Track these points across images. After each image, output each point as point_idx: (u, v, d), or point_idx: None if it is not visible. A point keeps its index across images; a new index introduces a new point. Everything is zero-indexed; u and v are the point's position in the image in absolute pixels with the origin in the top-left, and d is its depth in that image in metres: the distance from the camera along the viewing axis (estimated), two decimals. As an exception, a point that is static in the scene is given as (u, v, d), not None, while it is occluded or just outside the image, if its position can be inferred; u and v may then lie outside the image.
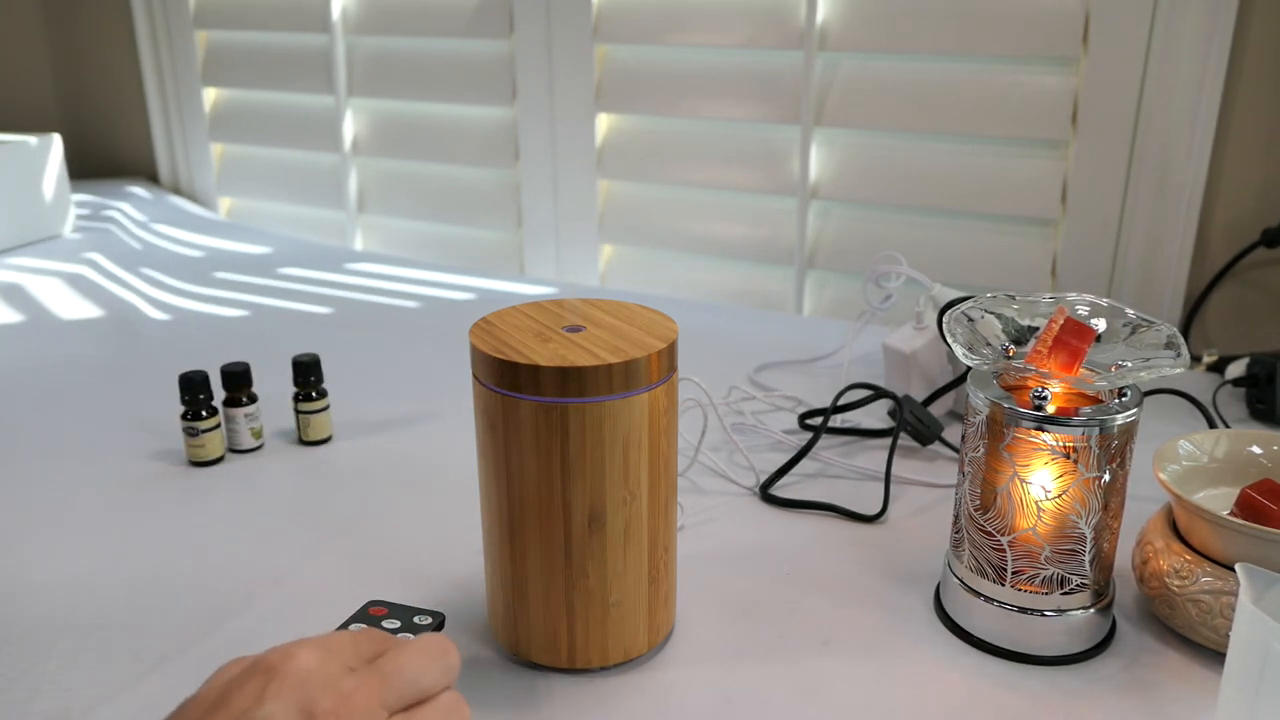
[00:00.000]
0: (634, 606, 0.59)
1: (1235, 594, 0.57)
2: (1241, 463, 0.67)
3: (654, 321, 0.60)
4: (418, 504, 0.81)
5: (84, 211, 1.68)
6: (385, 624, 0.58)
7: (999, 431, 0.59)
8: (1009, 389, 0.61)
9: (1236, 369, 1.01)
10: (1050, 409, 0.57)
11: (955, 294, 0.94)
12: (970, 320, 0.62)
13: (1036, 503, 0.58)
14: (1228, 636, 0.55)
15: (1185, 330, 1.16)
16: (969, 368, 0.62)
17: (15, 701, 0.58)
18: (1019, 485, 0.59)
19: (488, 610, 0.63)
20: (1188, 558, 0.61)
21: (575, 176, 1.44)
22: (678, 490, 0.64)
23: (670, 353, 0.57)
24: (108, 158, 1.93)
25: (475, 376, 0.57)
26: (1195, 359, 1.08)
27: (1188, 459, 0.67)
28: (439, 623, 0.61)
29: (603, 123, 1.42)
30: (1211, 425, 0.89)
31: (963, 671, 0.61)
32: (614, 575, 0.57)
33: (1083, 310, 0.61)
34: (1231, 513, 0.62)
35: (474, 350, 0.56)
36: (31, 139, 1.52)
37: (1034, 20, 1.12)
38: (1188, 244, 1.13)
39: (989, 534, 0.61)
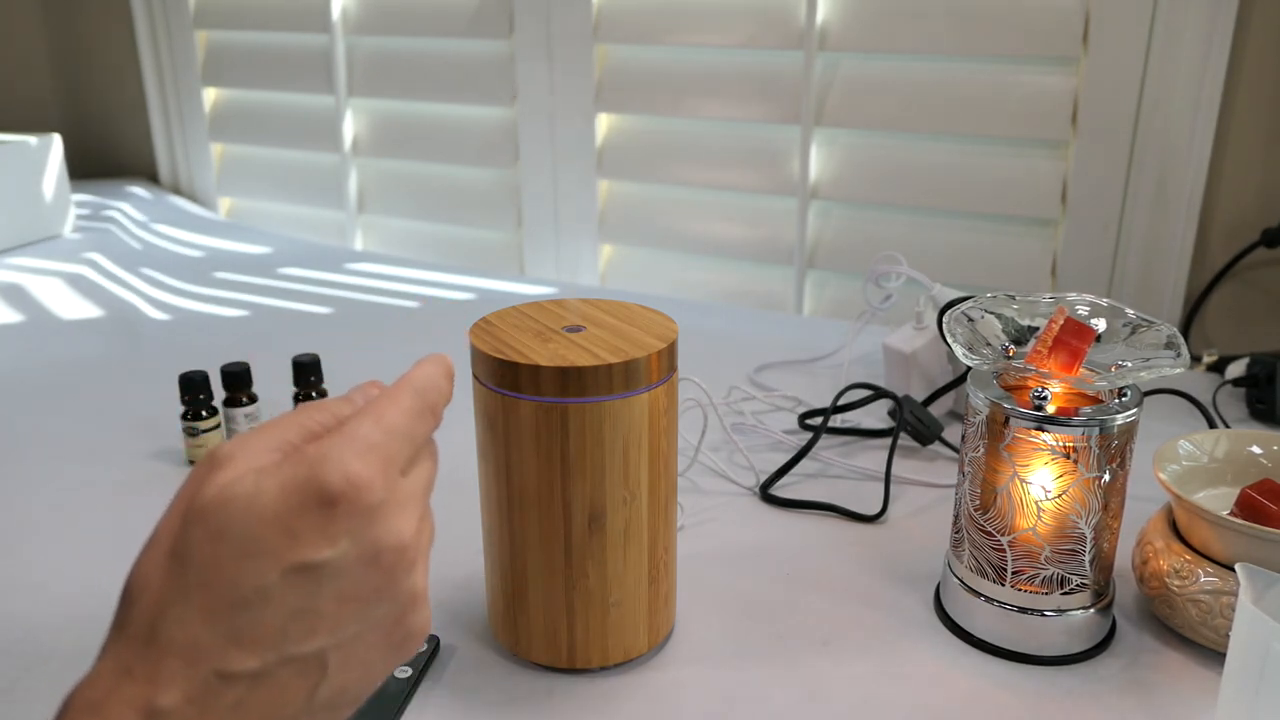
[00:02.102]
0: (634, 606, 0.59)
1: (1235, 594, 0.57)
2: (1241, 463, 0.67)
3: (654, 321, 0.60)
4: (418, 504, 0.80)
5: (84, 211, 1.68)
6: None
7: (999, 431, 0.59)
8: (1009, 389, 0.61)
9: (1236, 369, 1.01)
10: (1050, 409, 0.57)
11: (955, 294, 0.94)
12: (970, 320, 0.62)
13: (1036, 503, 0.58)
14: (1228, 636, 0.55)
15: (1185, 330, 1.16)
16: (969, 368, 0.62)
17: (16, 702, 0.58)
18: (1019, 485, 0.59)
19: (488, 610, 0.63)
20: (1188, 558, 0.61)
21: (575, 176, 1.44)
22: (678, 490, 0.64)
23: (670, 353, 0.57)
24: (108, 158, 1.93)
25: (475, 376, 0.57)
26: (1195, 359, 1.08)
27: (1188, 459, 0.67)
28: (434, 647, 0.61)
29: (603, 123, 1.42)
30: (1211, 425, 0.89)
31: (963, 671, 0.61)
32: (614, 575, 0.57)
33: (1083, 310, 0.61)
34: (1231, 513, 0.62)
35: (474, 350, 0.56)
36: (31, 139, 1.52)
37: (1034, 20, 1.12)
38: (1188, 244, 1.13)
39: (989, 534, 0.61)
